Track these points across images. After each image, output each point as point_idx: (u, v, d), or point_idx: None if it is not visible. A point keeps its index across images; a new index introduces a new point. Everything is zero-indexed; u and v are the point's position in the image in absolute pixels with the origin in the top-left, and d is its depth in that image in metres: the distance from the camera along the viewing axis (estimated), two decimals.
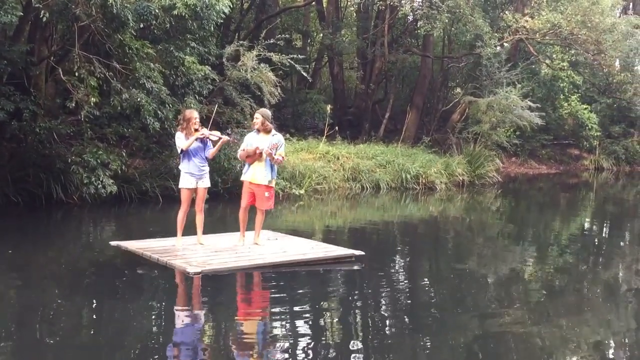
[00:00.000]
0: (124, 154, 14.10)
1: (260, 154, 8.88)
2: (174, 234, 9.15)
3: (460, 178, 21.11)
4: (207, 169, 9.08)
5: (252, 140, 9.05)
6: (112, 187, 13.01)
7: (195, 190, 8.98)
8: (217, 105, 10.51)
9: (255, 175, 8.99)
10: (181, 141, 8.81)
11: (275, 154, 8.93)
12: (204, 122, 9.47)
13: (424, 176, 19.96)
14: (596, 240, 13.26)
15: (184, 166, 8.91)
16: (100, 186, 12.89)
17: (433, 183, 20.01)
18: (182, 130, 8.84)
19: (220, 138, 9.03)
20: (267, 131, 9.06)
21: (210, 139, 8.97)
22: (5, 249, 9.35)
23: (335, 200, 17.00)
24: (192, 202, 9.06)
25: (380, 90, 27.84)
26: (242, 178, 9.18)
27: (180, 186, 9.04)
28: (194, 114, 8.90)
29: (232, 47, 16.18)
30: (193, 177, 8.90)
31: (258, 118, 9.05)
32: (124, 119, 14.54)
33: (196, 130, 8.79)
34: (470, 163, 21.77)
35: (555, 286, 8.75)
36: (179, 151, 8.91)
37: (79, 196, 13.20)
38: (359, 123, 25.54)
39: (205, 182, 9.04)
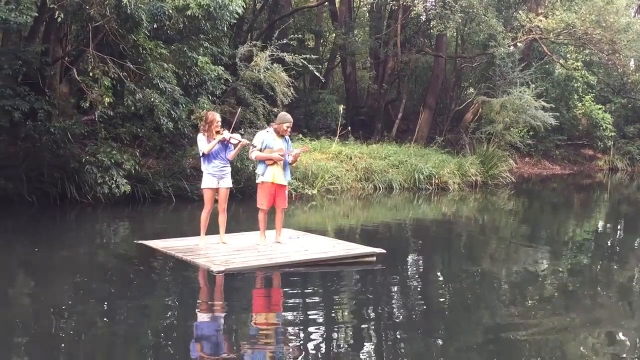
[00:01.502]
0: (138, 154, 14.15)
1: (283, 156, 9.08)
2: (188, 234, 9.19)
3: (474, 178, 21.03)
4: (228, 169, 9.19)
5: (269, 142, 9.11)
6: (125, 186, 13.07)
7: (217, 190, 9.07)
8: (239, 110, 10.65)
9: (277, 176, 9.12)
10: (203, 144, 8.93)
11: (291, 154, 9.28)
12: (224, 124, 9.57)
13: (436, 176, 19.90)
14: (610, 241, 13.15)
15: (206, 167, 9.04)
16: (114, 186, 12.96)
17: (446, 183, 19.95)
18: (204, 132, 8.95)
19: (239, 141, 9.11)
20: (283, 134, 9.20)
21: (231, 142, 9.05)
22: (31, 248, 9.53)
23: (348, 200, 16.98)
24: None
25: (393, 90, 27.79)
26: (263, 180, 9.16)
27: (202, 186, 9.19)
28: (216, 117, 9.00)
29: (245, 47, 16.21)
30: (214, 178, 9.02)
31: (287, 123, 9.16)
32: (138, 119, 14.60)
33: (217, 132, 8.89)
34: (483, 163, 21.67)
35: (571, 287, 8.70)
36: (201, 154, 9.02)
37: (92, 196, 13.27)
38: (371, 123, 25.52)
39: (227, 182, 9.15)
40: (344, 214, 15.24)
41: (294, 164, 9.50)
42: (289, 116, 9.32)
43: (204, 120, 9.07)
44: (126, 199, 13.54)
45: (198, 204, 14.05)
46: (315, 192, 16.85)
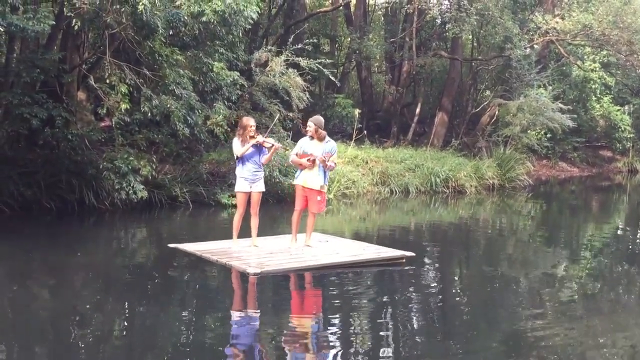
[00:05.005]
0: (154, 160, 14.21)
1: (314, 161, 9.14)
2: (209, 238, 9.28)
3: (490, 181, 20.91)
4: (261, 174, 9.33)
5: (306, 147, 9.27)
6: (142, 192, 13.11)
7: (250, 194, 9.18)
8: (278, 116, 10.82)
9: (308, 179, 9.25)
10: (237, 147, 9.12)
11: (328, 161, 9.21)
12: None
13: (453, 180, 19.81)
14: (630, 244, 13.02)
15: (239, 171, 9.23)
16: (131, 192, 13.00)
17: (463, 186, 19.86)
18: (239, 136, 9.14)
19: (273, 145, 9.23)
20: (321, 138, 9.28)
21: (264, 146, 9.16)
22: (74, 252, 9.80)
23: (364, 204, 16.94)
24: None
25: (409, 94, 27.73)
26: (295, 182, 9.44)
27: (235, 190, 9.40)
28: (250, 122, 9.17)
29: (261, 52, 16.24)
30: (247, 181, 9.18)
31: (311, 126, 9.28)
32: (154, 125, 14.67)
33: (251, 137, 9.03)
34: (500, 166, 21.55)
35: (590, 291, 8.65)
36: (235, 157, 9.24)
37: (110, 202, 13.33)
38: (387, 127, 25.47)
39: (259, 187, 9.28)
40: (361, 218, 15.21)
41: (328, 170, 9.40)
42: (313, 118, 9.50)
43: (239, 125, 9.28)
44: (143, 204, 13.58)
45: (215, 210, 14.19)
46: (331, 196, 16.81)
